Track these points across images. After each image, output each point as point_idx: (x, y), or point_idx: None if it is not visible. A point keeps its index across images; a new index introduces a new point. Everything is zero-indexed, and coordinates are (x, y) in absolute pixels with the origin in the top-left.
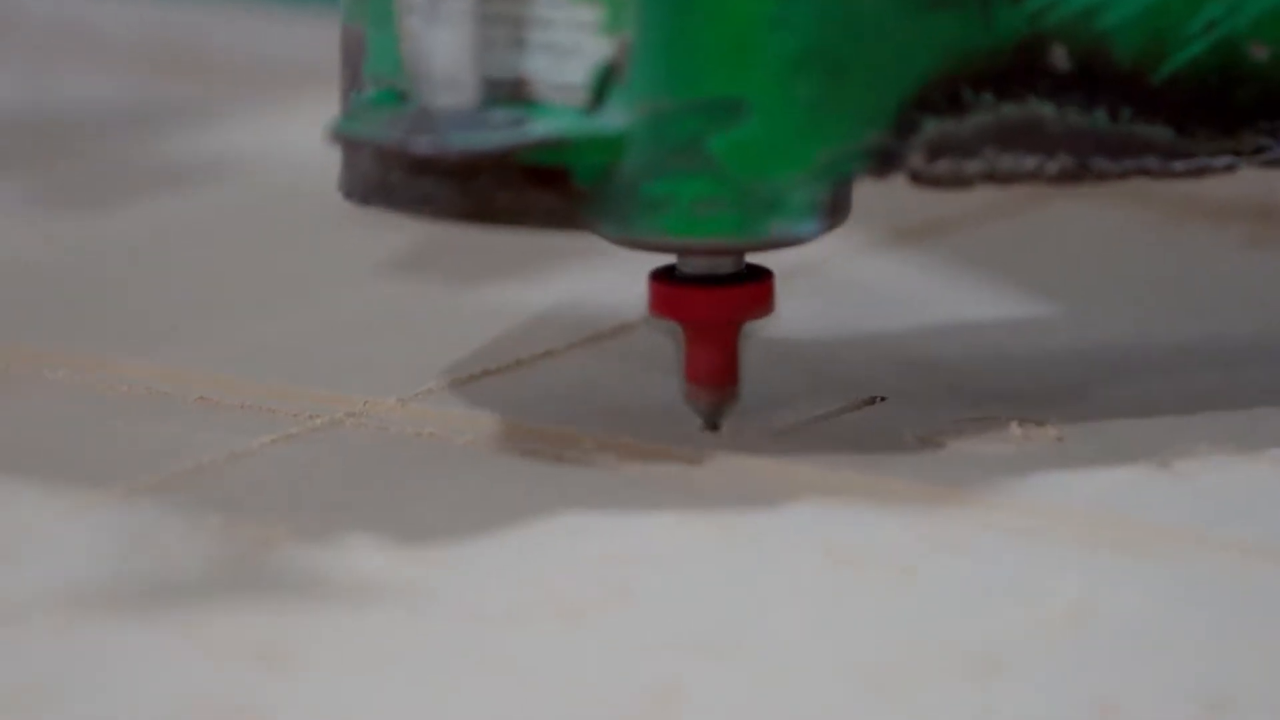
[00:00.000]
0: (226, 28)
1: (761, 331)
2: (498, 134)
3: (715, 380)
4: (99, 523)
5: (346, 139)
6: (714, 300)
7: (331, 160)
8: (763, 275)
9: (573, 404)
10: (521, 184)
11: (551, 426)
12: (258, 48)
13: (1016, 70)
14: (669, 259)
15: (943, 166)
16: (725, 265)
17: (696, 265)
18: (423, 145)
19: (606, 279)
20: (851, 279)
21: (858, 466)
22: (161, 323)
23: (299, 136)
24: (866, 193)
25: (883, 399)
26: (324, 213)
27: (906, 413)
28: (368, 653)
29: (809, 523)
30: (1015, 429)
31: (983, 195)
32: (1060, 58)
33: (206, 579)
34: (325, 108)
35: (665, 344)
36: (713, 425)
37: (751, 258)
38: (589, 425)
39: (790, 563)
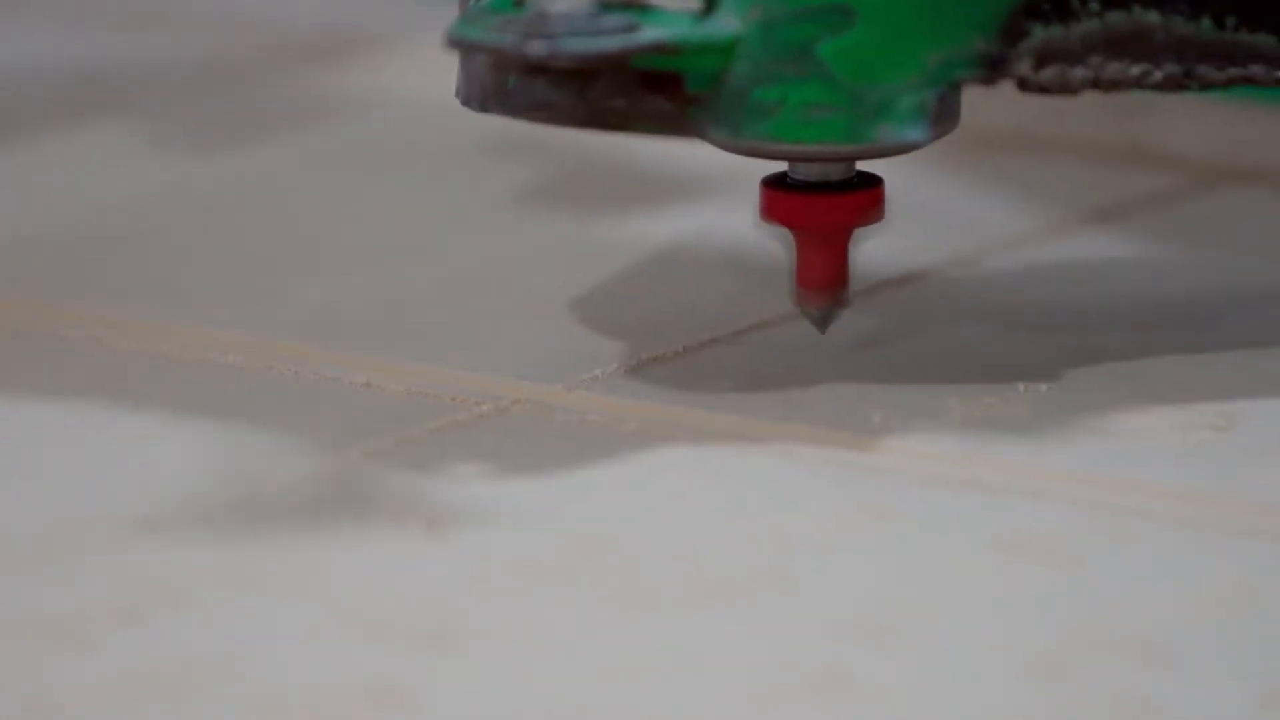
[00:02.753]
0: None
1: (938, 316)
2: (611, 39)
3: (826, 285)
4: (265, 506)
5: (463, 44)
6: (825, 206)
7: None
8: (873, 182)
9: (738, 389)
10: (635, 89)
11: (716, 412)
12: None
13: None
14: (780, 165)
15: (1049, 74)
16: (836, 172)
17: (807, 171)
18: (538, 49)
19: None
20: (1014, 263)
21: (1020, 454)
22: (313, 292)
23: (418, 78)
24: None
25: (1049, 385)
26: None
27: (1073, 399)
28: (527, 634)
29: (970, 508)
30: (1178, 417)
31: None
32: None
33: (371, 561)
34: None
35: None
36: (822, 328)
37: (862, 165)
38: (754, 410)
39: (953, 549)
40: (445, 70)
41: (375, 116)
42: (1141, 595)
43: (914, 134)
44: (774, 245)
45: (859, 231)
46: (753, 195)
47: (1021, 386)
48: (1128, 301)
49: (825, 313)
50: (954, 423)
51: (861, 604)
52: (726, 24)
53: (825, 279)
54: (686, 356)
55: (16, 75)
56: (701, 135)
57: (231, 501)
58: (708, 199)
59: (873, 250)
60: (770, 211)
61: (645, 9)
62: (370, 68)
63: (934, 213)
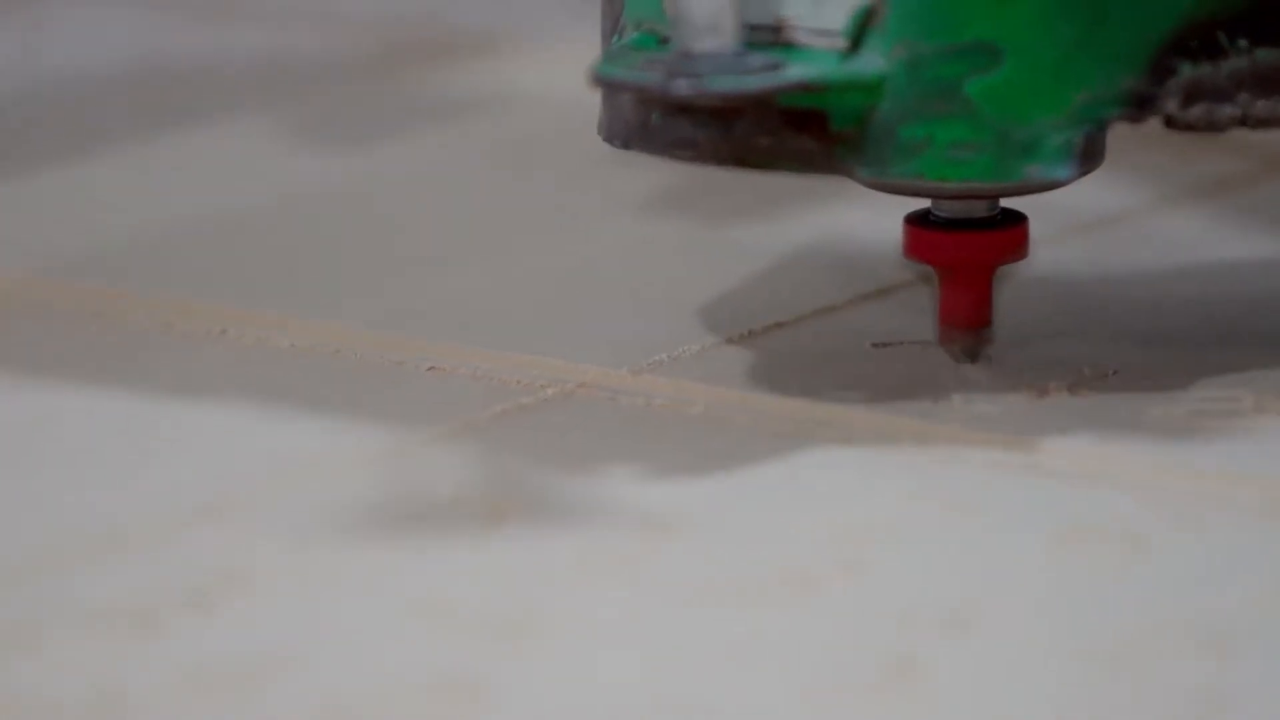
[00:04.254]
0: None
1: (1004, 302)
2: (756, 78)
3: (970, 323)
4: (331, 492)
5: (607, 82)
6: (969, 244)
7: (586, 101)
8: (1018, 220)
9: (803, 376)
10: (780, 127)
11: (784, 396)
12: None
13: (1272, 15)
14: (924, 202)
15: (1197, 112)
16: (980, 209)
17: (952, 209)
18: (682, 88)
19: (856, 217)
20: (1081, 251)
21: (1088, 441)
22: (396, 286)
23: (555, 78)
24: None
25: (1115, 372)
26: (579, 152)
27: (1141, 385)
28: (597, 624)
29: (1040, 496)
30: (1252, 405)
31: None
32: None
33: (437, 549)
34: (586, 50)
35: (896, 316)
36: (971, 361)
37: (1007, 202)
38: (822, 395)
39: (1023, 537)
40: (567, 69)
41: (488, 116)
42: (1210, 584)
43: (1060, 173)
44: (853, 236)
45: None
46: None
47: (1088, 372)
48: (1196, 287)
49: (970, 350)
50: (1022, 409)
51: (929, 593)
52: (872, 62)
53: (969, 316)
54: (754, 340)
55: (93, 69)
56: (847, 173)
57: (298, 488)
58: (822, 205)
59: None
60: (914, 249)
61: (790, 47)
62: (488, 66)
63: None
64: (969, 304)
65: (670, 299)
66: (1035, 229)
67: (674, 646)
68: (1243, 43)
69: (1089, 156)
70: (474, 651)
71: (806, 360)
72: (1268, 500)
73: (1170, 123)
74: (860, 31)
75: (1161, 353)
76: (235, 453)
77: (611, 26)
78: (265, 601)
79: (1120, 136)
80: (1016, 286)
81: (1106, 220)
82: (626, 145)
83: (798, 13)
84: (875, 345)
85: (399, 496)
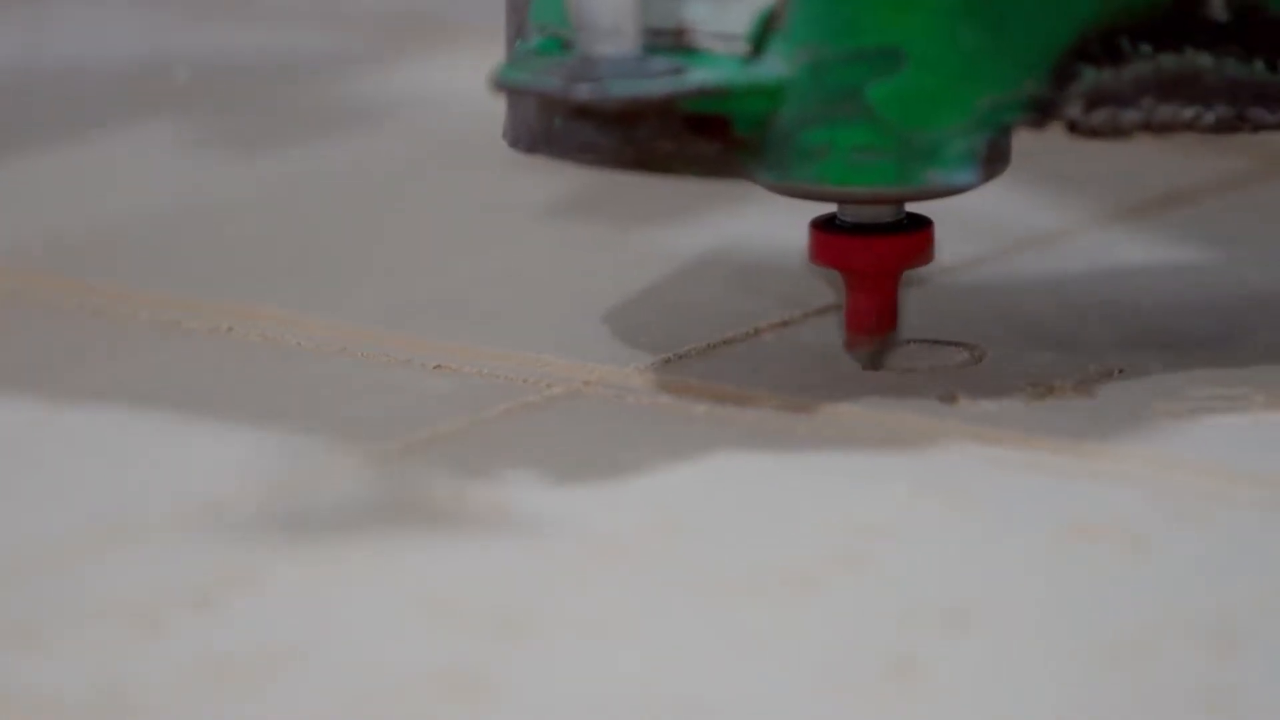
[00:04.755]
0: None
1: (1007, 302)
2: (658, 82)
3: (876, 329)
4: (340, 488)
5: (510, 87)
6: (874, 249)
7: (493, 107)
8: (923, 224)
9: (807, 374)
10: (682, 132)
11: (787, 395)
12: None
13: (1174, 21)
14: (829, 207)
15: (1100, 117)
16: (885, 214)
17: (857, 214)
18: (584, 92)
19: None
20: (1085, 251)
21: (1092, 438)
22: (383, 281)
23: (461, 84)
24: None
25: (1120, 371)
26: (493, 158)
27: (1145, 383)
28: (600, 621)
29: (1042, 494)
30: (1251, 400)
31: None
32: (1218, 8)
33: (442, 545)
34: (488, 56)
35: (910, 312)
36: (873, 368)
37: (912, 207)
38: (824, 394)
39: (1023, 534)
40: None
41: (437, 113)
42: (1214, 580)
43: (963, 178)
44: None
45: None
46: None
47: (1092, 370)
48: (1200, 286)
49: (875, 354)
50: (1025, 407)
51: (932, 590)
52: (774, 67)
53: (875, 322)
54: (758, 340)
55: (95, 64)
56: (749, 178)
57: (303, 486)
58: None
59: (944, 231)
60: (820, 254)
61: (692, 52)
62: (441, 61)
63: (1003, 195)
64: (875, 309)
65: (673, 298)
66: (1034, 230)
67: (676, 644)
68: (1146, 48)
69: (992, 161)
70: (478, 648)
71: (809, 359)
72: (1271, 497)
73: (1073, 128)
74: (762, 36)
75: (1164, 352)
76: (239, 450)
77: (516, 31)
78: (269, 599)
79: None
80: (1020, 286)
81: (1112, 219)
82: (531, 150)
83: (700, 17)
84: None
85: (404, 494)
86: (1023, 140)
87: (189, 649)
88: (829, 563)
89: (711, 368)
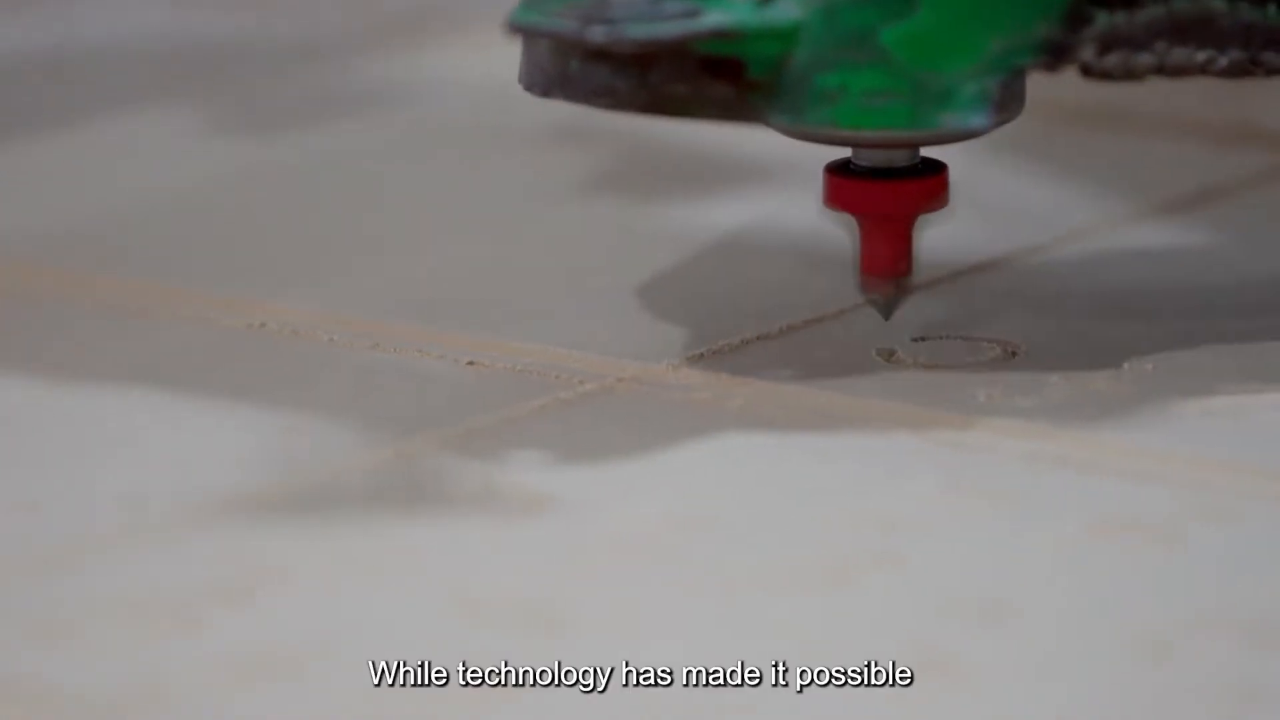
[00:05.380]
0: None
1: (1041, 297)
2: (672, 24)
3: (890, 272)
4: (371, 482)
5: (524, 29)
6: (889, 193)
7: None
8: (938, 169)
9: (840, 369)
10: (697, 75)
11: (821, 390)
12: None
13: None
14: (844, 151)
15: (1113, 60)
16: (900, 158)
17: (871, 158)
18: (599, 35)
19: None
20: (1118, 247)
21: (1124, 434)
22: (405, 271)
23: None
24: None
25: (1152, 366)
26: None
27: (1177, 379)
28: (634, 614)
29: (1073, 490)
30: None
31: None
32: None
33: (473, 539)
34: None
35: (933, 310)
36: (886, 315)
37: (926, 151)
38: (858, 389)
39: (1056, 529)
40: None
41: (458, 97)
42: (1246, 576)
43: (977, 120)
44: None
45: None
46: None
47: (1126, 366)
48: (1234, 282)
49: (890, 300)
50: (1057, 403)
51: (965, 584)
52: (788, 9)
53: (889, 266)
54: (791, 335)
55: (111, 50)
56: (763, 121)
57: (335, 479)
58: (783, 182)
59: (968, 230)
60: (834, 198)
61: None
62: (461, 46)
63: (1036, 192)
64: (890, 253)
65: (704, 287)
66: (1067, 226)
67: (708, 636)
68: None
69: (1005, 105)
70: (509, 641)
71: (843, 354)
72: None
73: (1087, 71)
74: None
75: (1197, 348)
76: (271, 444)
77: None
78: (300, 592)
79: (1151, 131)
80: (1054, 281)
81: (1145, 214)
82: (546, 94)
83: None
84: (914, 339)
85: (436, 488)
86: (1057, 136)
87: (221, 643)
88: (861, 557)
89: (744, 362)
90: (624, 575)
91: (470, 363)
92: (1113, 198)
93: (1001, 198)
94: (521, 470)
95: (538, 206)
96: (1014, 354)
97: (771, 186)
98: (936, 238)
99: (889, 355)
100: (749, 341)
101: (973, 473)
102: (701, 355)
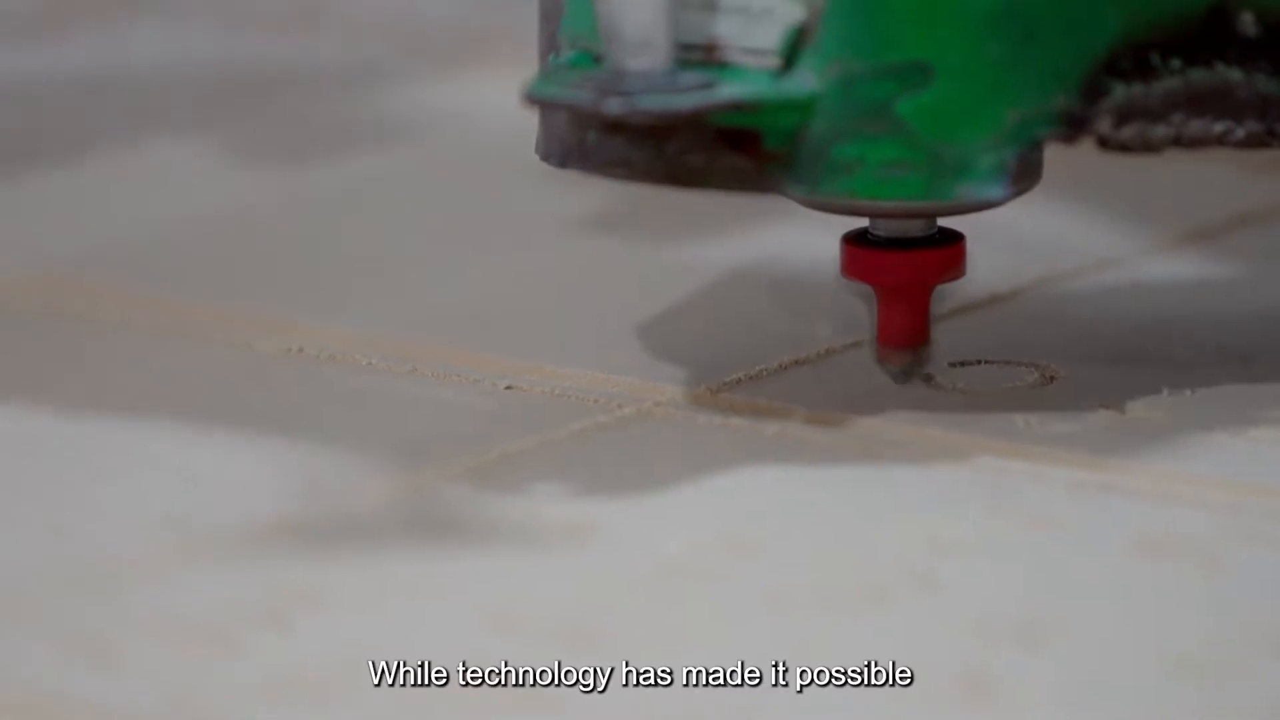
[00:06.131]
0: None
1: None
2: (689, 96)
3: (907, 342)
4: (408, 508)
5: (542, 101)
6: (906, 263)
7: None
8: (954, 239)
9: (879, 395)
10: (713, 146)
11: (860, 416)
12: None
13: (1205, 36)
14: (861, 222)
15: (1130, 132)
16: (916, 228)
17: (888, 228)
18: (615, 106)
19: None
20: (1153, 273)
21: (1163, 458)
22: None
23: (494, 97)
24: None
25: (1191, 391)
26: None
27: (1217, 406)
28: (667, 638)
29: (1112, 514)
30: None
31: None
32: (1248, 24)
33: (512, 563)
34: (522, 69)
35: (970, 336)
36: (902, 382)
37: (943, 221)
38: (896, 414)
39: (1096, 552)
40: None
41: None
42: None
43: (993, 192)
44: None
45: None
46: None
47: (1165, 392)
48: (1269, 307)
49: (907, 369)
50: (1099, 429)
51: (1006, 607)
52: (805, 81)
53: (907, 336)
54: (829, 360)
55: (154, 75)
56: (780, 191)
57: (372, 503)
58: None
59: (1001, 256)
60: (851, 269)
61: (723, 66)
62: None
63: (1067, 219)
64: (907, 323)
65: (739, 314)
66: (1108, 250)
67: (746, 660)
68: (1176, 63)
69: (1023, 176)
70: (546, 663)
71: (881, 379)
72: None
73: (1104, 143)
74: (793, 50)
75: (1236, 372)
76: (310, 468)
77: (548, 45)
78: (337, 616)
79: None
80: (1090, 307)
81: (1182, 237)
82: (563, 164)
83: (730, 32)
84: (952, 365)
85: (475, 513)
86: (1087, 162)
87: (262, 665)
88: (901, 579)
89: (782, 388)
90: (662, 600)
91: (508, 387)
92: (1145, 224)
93: (1033, 224)
94: (557, 493)
95: (572, 234)
96: (1051, 379)
97: (802, 215)
98: (971, 264)
99: (927, 380)
100: (786, 366)
101: (1012, 498)
102: (739, 380)
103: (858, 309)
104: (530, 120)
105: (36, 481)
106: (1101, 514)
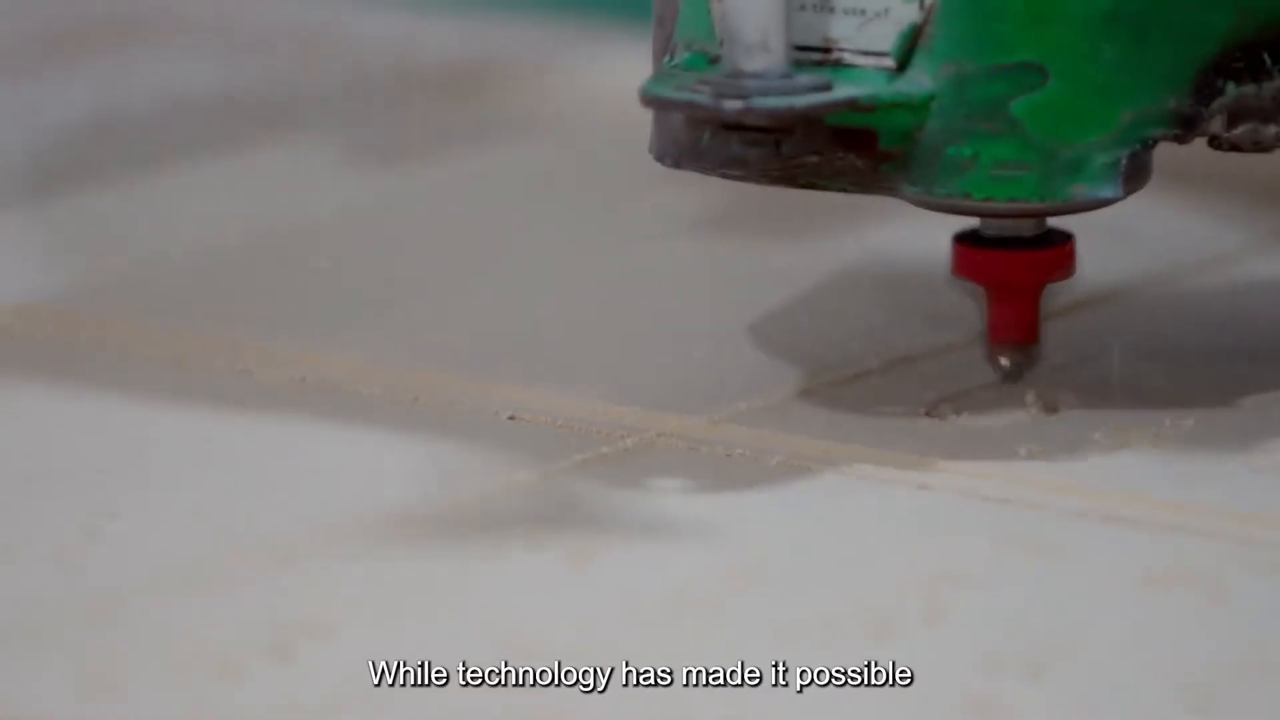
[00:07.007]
0: None
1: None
2: (805, 97)
3: (1017, 340)
4: (411, 538)
5: (657, 101)
6: (1017, 262)
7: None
8: (1064, 239)
9: (883, 425)
10: (829, 146)
11: (863, 446)
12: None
13: None
14: (972, 221)
15: (1242, 132)
16: (1027, 227)
17: (999, 227)
18: (732, 107)
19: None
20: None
21: (1167, 487)
22: (462, 318)
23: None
24: None
25: (1193, 419)
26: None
27: (1220, 433)
28: (673, 666)
29: (1119, 542)
30: None
31: None
32: None
33: (517, 593)
34: (637, 68)
35: (974, 367)
36: (1014, 380)
37: (1053, 221)
38: (900, 444)
39: (1102, 582)
40: (613, 96)
41: (537, 141)
42: None
43: (1106, 192)
44: (921, 276)
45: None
46: (897, 221)
47: (1168, 422)
48: (1267, 331)
49: (1017, 367)
50: (1100, 456)
51: (1011, 637)
52: (920, 81)
53: (1017, 334)
54: (833, 389)
55: (176, 100)
56: (894, 192)
57: (377, 532)
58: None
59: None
60: (962, 267)
61: (839, 67)
62: (532, 93)
63: (1130, 229)
64: (1017, 322)
65: (745, 347)
66: (1121, 272)
67: (753, 690)
68: None
69: (1135, 176)
70: (553, 692)
71: (885, 410)
72: None
73: (1215, 143)
74: (907, 52)
75: (1242, 400)
76: (315, 499)
77: (662, 47)
78: (346, 646)
79: (1218, 178)
80: (1098, 335)
81: (1192, 265)
82: (677, 164)
83: (845, 34)
84: (955, 394)
85: (481, 543)
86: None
87: (268, 695)
88: (908, 610)
89: (785, 419)
90: (667, 629)
91: (511, 417)
92: (1146, 253)
93: (1142, 220)
94: (564, 525)
95: (582, 253)
96: (1055, 410)
97: (818, 233)
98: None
99: (931, 409)
100: (790, 397)
101: (1017, 526)
102: (743, 410)
103: (872, 331)
104: (553, 139)
105: (42, 511)
106: (1107, 545)
